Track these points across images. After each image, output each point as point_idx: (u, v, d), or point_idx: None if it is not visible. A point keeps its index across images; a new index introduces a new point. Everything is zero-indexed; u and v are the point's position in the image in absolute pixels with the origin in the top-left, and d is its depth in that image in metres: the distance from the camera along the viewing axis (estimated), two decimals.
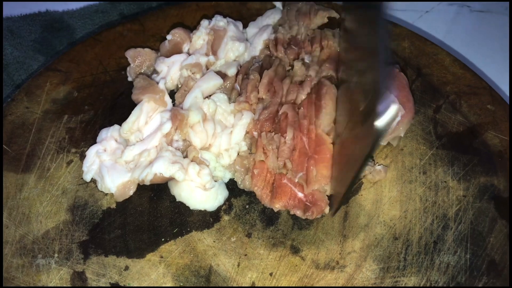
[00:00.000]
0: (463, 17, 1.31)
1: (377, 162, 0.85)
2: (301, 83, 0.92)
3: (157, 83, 0.90)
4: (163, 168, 0.77)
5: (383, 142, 0.83)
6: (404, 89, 0.83)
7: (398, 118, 0.80)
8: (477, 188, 0.81)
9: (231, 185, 0.84)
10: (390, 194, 0.81)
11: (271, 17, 1.06)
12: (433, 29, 1.26)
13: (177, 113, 0.78)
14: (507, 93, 1.09)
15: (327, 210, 0.78)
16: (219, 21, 0.97)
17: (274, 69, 0.93)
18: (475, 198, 0.80)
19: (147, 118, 0.83)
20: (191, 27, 1.06)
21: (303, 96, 0.89)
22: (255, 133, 0.86)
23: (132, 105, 0.93)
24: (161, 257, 0.75)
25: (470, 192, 0.81)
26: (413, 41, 1.03)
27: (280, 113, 0.87)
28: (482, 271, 0.72)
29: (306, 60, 0.97)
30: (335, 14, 1.06)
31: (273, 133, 0.85)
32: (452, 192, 0.81)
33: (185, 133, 0.78)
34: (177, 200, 0.81)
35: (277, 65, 0.95)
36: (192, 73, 0.91)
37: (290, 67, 0.97)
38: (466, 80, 0.95)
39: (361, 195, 0.82)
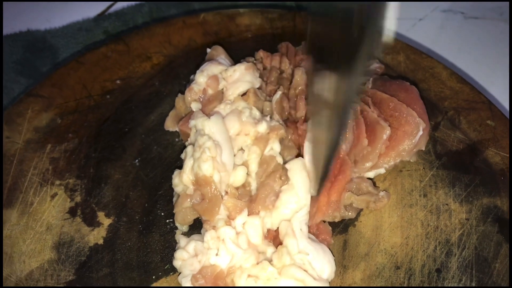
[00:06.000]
0: (457, 24, 1.28)
1: (378, 186, 0.81)
2: None
3: None
4: None
5: (408, 158, 0.80)
6: (419, 101, 0.81)
7: (420, 132, 0.77)
8: (480, 210, 0.78)
9: None
10: (390, 220, 0.78)
11: None
12: (427, 37, 1.23)
13: None
14: (506, 103, 1.06)
15: (331, 241, 0.75)
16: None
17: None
18: (478, 221, 0.77)
19: None
20: (178, 46, 1.02)
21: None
22: None
23: (118, 132, 0.90)
24: None
25: (473, 215, 0.78)
26: (409, 55, 0.99)
27: None
28: None
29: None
30: None
31: None
32: (455, 216, 0.78)
33: None
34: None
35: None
36: None
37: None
38: (464, 95, 0.92)
39: (360, 221, 0.78)
